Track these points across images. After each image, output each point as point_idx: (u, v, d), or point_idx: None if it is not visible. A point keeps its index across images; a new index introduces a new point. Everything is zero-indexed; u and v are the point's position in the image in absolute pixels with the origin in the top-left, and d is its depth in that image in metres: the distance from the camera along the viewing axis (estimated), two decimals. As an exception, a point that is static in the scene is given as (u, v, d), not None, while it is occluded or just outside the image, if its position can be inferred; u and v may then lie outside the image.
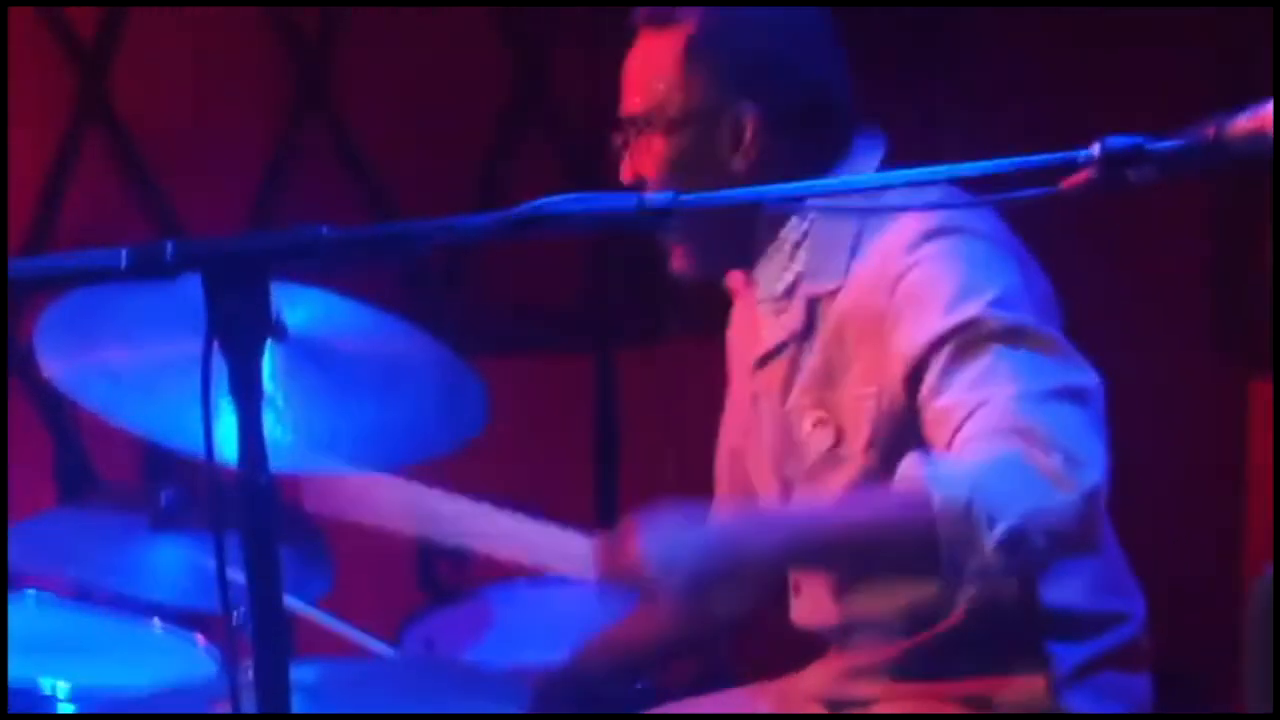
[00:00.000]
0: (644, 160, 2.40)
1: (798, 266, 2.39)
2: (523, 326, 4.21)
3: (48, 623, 2.53)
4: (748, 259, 2.44)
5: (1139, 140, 1.73)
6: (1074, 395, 2.18)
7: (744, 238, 2.41)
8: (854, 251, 2.35)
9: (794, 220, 2.38)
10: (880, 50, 3.68)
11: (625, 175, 2.42)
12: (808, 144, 2.38)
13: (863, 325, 2.32)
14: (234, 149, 4.09)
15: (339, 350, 2.69)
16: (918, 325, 2.25)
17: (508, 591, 2.80)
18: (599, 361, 4.21)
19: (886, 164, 2.39)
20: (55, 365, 2.59)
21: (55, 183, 4.06)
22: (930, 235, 2.29)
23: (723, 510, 2.61)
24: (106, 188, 4.08)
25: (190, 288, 1.75)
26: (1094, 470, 2.12)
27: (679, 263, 2.44)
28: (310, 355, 2.62)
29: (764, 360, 2.46)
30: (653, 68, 2.38)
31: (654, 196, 1.73)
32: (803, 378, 2.39)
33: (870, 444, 2.32)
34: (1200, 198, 3.95)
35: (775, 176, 2.31)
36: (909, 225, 2.31)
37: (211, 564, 1.87)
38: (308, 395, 2.60)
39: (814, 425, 2.38)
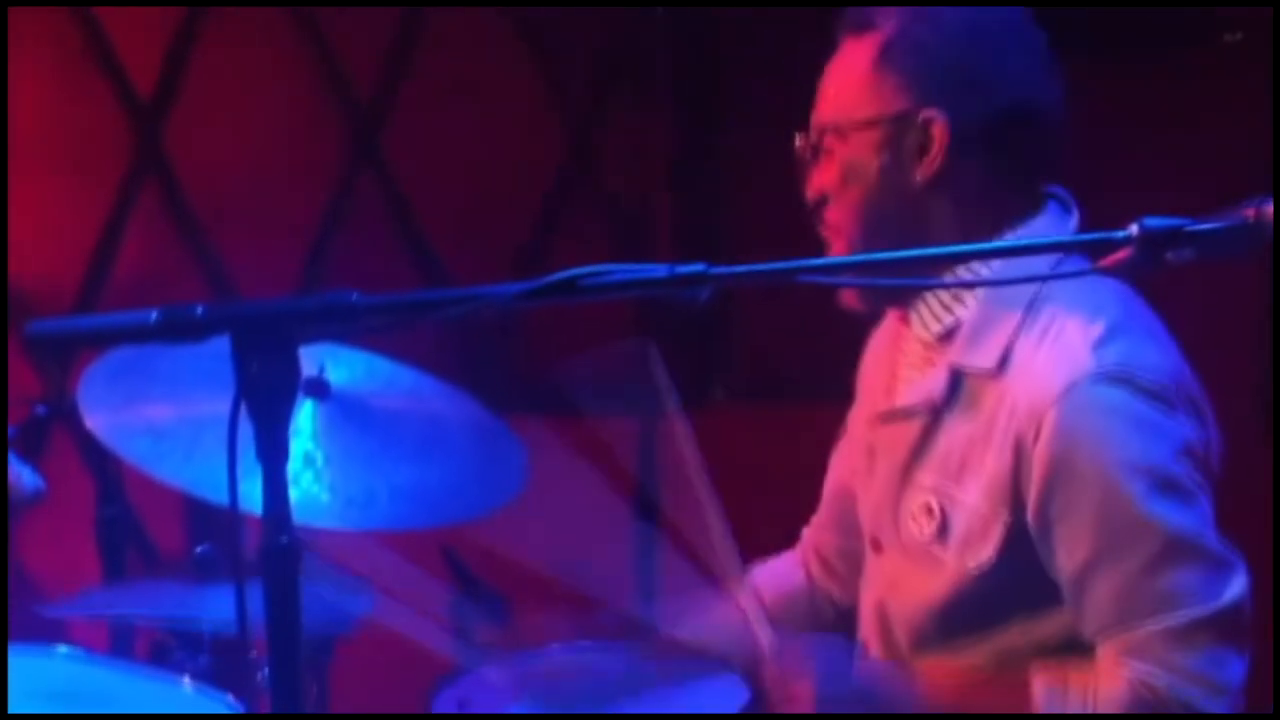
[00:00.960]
0: (827, 173, 2.32)
1: (957, 314, 2.28)
2: (565, 391, 4.22)
3: (77, 679, 2.54)
4: (904, 298, 2.33)
5: (1178, 222, 1.72)
6: (1219, 623, 2.16)
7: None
8: (1014, 340, 2.24)
9: (974, 263, 2.27)
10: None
11: (809, 193, 2.33)
12: (998, 172, 2.28)
13: (1001, 444, 2.21)
14: (287, 207, 4.13)
15: (380, 410, 2.70)
16: (1065, 485, 2.17)
17: (541, 655, 2.79)
18: (641, 426, 4.21)
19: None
20: (98, 419, 2.61)
21: (110, 234, 4.11)
22: (1100, 378, 2.17)
23: (822, 538, 2.61)
24: (160, 241, 4.13)
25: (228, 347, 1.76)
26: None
27: (848, 297, 2.33)
28: (352, 414, 2.64)
29: (892, 416, 2.36)
30: (846, 73, 2.31)
31: (685, 267, 1.72)
32: (932, 456, 2.29)
33: (990, 567, 2.25)
34: (1252, 276, 3.93)
35: (957, 199, 2.25)
36: (1077, 348, 2.19)
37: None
38: (348, 454, 2.61)
39: (920, 510, 2.30)
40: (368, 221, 4.19)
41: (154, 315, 1.71)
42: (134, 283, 4.07)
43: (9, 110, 3.93)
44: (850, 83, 2.30)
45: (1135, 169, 3.86)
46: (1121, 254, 1.73)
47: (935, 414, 2.29)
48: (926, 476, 2.30)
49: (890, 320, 2.43)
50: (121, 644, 3.11)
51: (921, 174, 2.26)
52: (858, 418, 2.50)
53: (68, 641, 2.63)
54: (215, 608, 2.74)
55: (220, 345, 1.76)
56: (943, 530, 2.28)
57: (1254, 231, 1.70)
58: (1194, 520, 2.18)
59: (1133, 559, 2.15)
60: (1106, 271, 1.75)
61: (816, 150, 2.33)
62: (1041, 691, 2.19)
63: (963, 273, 2.28)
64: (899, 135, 2.27)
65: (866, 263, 1.95)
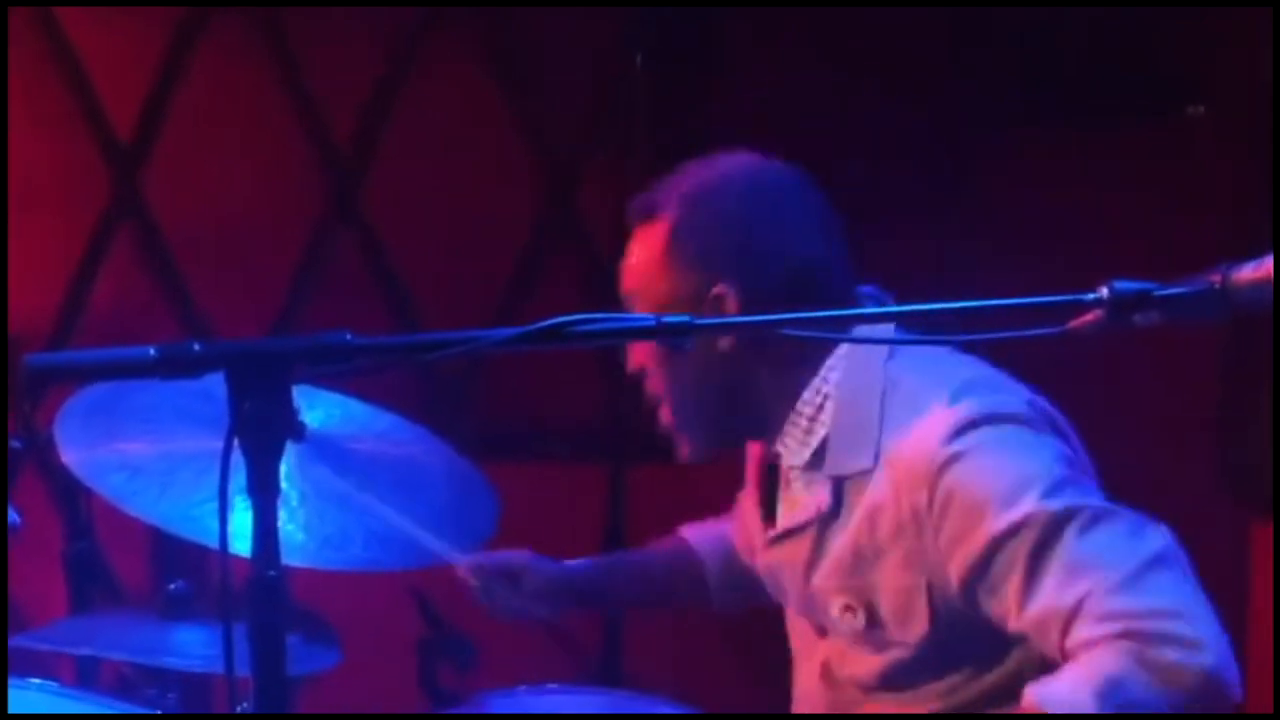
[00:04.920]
0: (640, 351, 2.48)
1: (816, 439, 2.41)
2: (537, 438, 4.25)
3: (49, 712, 2.55)
4: (760, 426, 2.46)
5: (1146, 285, 1.77)
6: (1158, 562, 2.21)
7: (746, 405, 2.44)
8: (880, 432, 2.36)
9: (807, 394, 2.41)
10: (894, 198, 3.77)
11: (629, 366, 2.50)
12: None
13: (899, 517, 2.32)
14: (263, 254, 4.16)
15: (355, 452, 2.72)
16: (972, 528, 2.26)
17: (508, 698, 2.81)
18: (611, 475, 4.25)
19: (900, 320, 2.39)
20: (74, 454, 2.63)
21: (85, 274, 4.13)
22: (965, 427, 2.29)
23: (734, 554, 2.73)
24: (134, 282, 4.15)
25: (208, 385, 1.79)
26: (1207, 646, 2.16)
27: (684, 451, 2.50)
28: (326, 456, 2.66)
29: (783, 536, 2.48)
30: (639, 258, 2.47)
31: (671, 317, 1.78)
32: (828, 561, 2.41)
33: (929, 636, 2.35)
34: (1209, 342, 4.00)
35: (764, 352, 2.39)
36: (939, 416, 2.31)
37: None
38: (321, 495, 2.63)
39: (842, 610, 2.41)
40: (344, 270, 4.21)
41: (152, 351, 1.74)
42: (107, 323, 4.09)
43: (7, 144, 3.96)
44: (643, 269, 2.46)
45: (1099, 235, 3.94)
46: (1090, 316, 1.79)
47: (825, 523, 2.42)
48: (831, 580, 2.42)
49: (755, 453, 2.57)
50: (87, 677, 3.11)
51: (723, 345, 2.41)
52: (748, 543, 2.63)
53: (37, 673, 2.64)
54: (185, 645, 2.76)
55: (195, 384, 1.79)
56: (871, 619, 2.39)
57: (1220, 297, 1.76)
58: (1096, 497, 2.27)
59: (1060, 549, 2.22)
60: (1077, 334, 1.80)
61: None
62: (1039, 702, 2.20)
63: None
64: (695, 311, 2.36)
65: (841, 317, 2.00)
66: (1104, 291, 1.77)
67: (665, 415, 2.49)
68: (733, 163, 2.50)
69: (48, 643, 2.83)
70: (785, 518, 2.48)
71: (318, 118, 4.20)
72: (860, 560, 2.37)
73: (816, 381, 2.41)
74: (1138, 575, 2.19)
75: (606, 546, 4.20)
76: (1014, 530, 2.24)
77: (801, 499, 2.45)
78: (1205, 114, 4.00)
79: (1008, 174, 4.08)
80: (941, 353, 2.39)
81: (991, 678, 2.36)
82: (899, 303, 2.43)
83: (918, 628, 2.35)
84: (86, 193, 4.13)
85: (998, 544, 2.25)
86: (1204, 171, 3.97)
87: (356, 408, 2.80)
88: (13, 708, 2.50)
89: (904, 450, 2.32)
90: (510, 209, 4.28)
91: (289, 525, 2.58)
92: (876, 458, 2.36)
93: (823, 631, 2.49)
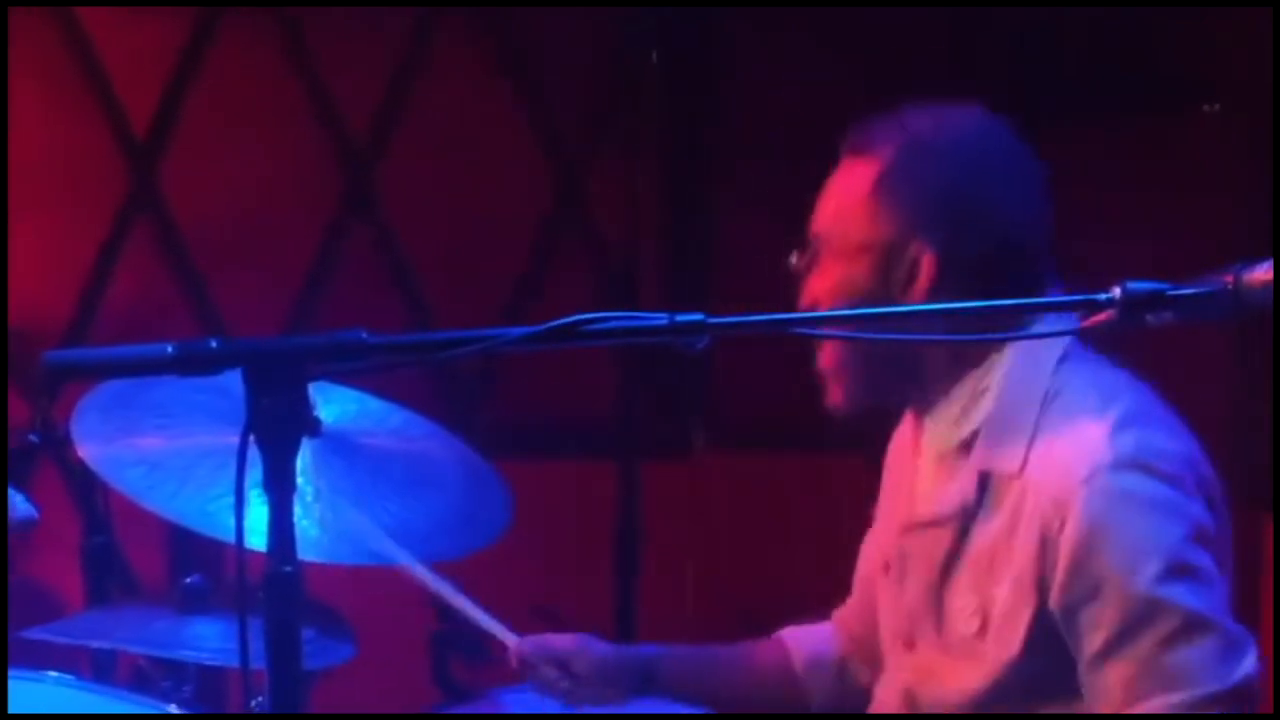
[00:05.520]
0: (820, 285, 2.36)
1: (968, 428, 2.32)
2: (550, 435, 4.26)
3: (65, 706, 2.56)
4: (919, 397, 2.37)
5: (1159, 285, 1.78)
6: (1230, 697, 2.18)
7: (911, 373, 2.34)
8: (1034, 437, 2.28)
9: (980, 370, 2.31)
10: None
11: (803, 300, 2.37)
12: (989, 289, 2.29)
13: (1025, 536, 2.26)
14: (278, 248, 4.18)
15: (368, 448, 2.73)
16: (1085, 572, 2.20)
17: (519, 694, 2.82)
18: (623, 471, 4.26)
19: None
20: (92, 448, 2.64)
21: (102, 268, 4.15)
22: (1117, 466, 2.21)
23: (852, 619, 2.62)
24: (151, 277, 4.17)
25: (225, 381, 1.80)
26: None
27: (834, 397, 2.37)
28: (340, 452, 2.67)
29: (921, 526, 2.39)
30: (844, 193, 2.35)
31: (685, 315, 1.78)
32: (967, 559, 2.33)
33: (1020, 656, 2.28)
34: (1221, 340, 4.00)
35: (953, 319, 2.29)
36: (1094, 438, 2.23)
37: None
38: (336, 490, 2.64)
39: (967, 610, 2.33)
40: (358, 263, 4.23)
41: (170, 349, 1.75)
42: (124, 317, 4.11)
43: (9, 144, 3.98)
44: (846, 204, 2.35)
45: (1114, 233, 3.93)
46: (1103, 315, 1.79)
47: (967, 519, 2.33)
48: (966, 578, 2.34)
49: (906, 426, 2.47)
50: (103, 670, 3.13)
51: (909, 302, 2.31)
52: (884, 525, 2.53)
53: (53, 666, 2.66)
54: (201, 639, 2.77)
55: (212, 380, 1.80)
56: (983, 627, 2.31)
57: (1233, 297, 1.76)
58: (1207, 601, 2.21)
59: (1146, 640, 2.18)
60: (1089, 332, 1.81)
61: (811, 262, 2.39)
62: None
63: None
64: (888, 263, 2.31)
65: (856, 317, 1.99)
66: (1116, 291, 1.76)
67: (825, 358, 2.36)
68: (962, 117, 2.37)
69: (65, 636, 2.84)
70: (929, 503, 2.38)
71: (333, 114, 4.21)
72: (995, 564, 2.29)
73: (985, 365, 2.30)
74: (1204, 705, 2.17)
75: (619, 543, 4.22)
76: (1114, 597, 2.19)
77: (945, 488, 2.36)
78: (1220, 112, 3.99)
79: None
80: (1113, 372, 2.31)
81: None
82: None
83: (1011, 648, 2.28)
84: (103, 187, 4.15)
85: (1094, 598, 2.20)
86: (1219, 169, 3.97)
87: (371, 403, 2.81)
88: (30, 701, 2.52)
89: (1051, 464, 2.24)
90: (520, 206, 4.30)
91: (303, 520, 2.58)
92: (1025, 462, 2.27)
93: (911, 644, 2.41)
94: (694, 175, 4.33)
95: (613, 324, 1.76)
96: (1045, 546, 2.24)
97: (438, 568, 2.77)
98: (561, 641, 2.62)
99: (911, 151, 2.33)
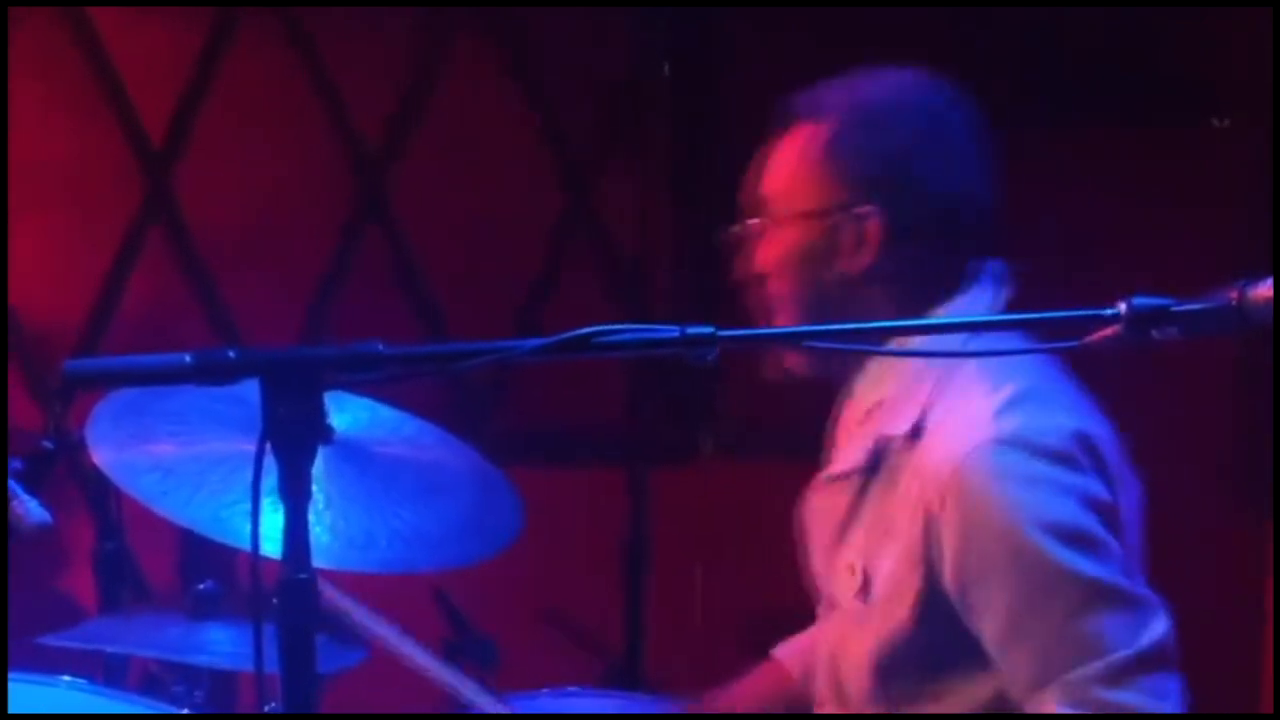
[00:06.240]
0: (764, 251, 2.41)
1: (882, 392, 2.36)
2: (561, 443, 4.28)
3: (80, 710, 2.58)
4: (853, 369, 2.41)
5: (1165, 301, 1.79)
6: (1148, 660, 2.19)
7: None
8: (927, 408, 2.30)
9: (892, 345, 2.30)
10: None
11: (740, 269, 2.42)
12: (932, 259, 2.35)
13: (913, 511, 2.28)
14: (292, 255, 4.19)
15: (380, 456, 2.75)
16: (973, 552, 2.23)
17: (530, 700, 2.84)
18: (632, 478, 4.27)
19: (1014, 302, 2.35)
20: (106, 455, 2.66)
21: (116, 274, 4.17)
22: (998, 443, 2.23)
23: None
24: (165, 284, 4.18)
25: (238, 389, 1.81)
26: None
27: (785, 363, 2.40)
28: (352, 459, 2.68)
29: (830, 480, 2.44)
30: (792, 157, 2.38)
31: (695, 328, 1.79)
32: (860, 520, 2.37)
33: (908, 627, 2.30)
34: (1229, 353, 4.01)
35: (893, 284, 2.33)
36: (979, 416, 2.25)
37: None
38: (348, 497, 2.66)
39: (846, 569, 2.37)
40: (371, 272, 4.25)
41: (188, 358, 1.77)
42: (138, 321, 4.12)
43: (22, 149, 4.00)
44: (793, 169, 2.38)
45: (1120, 245, 3.95)
46: (1108, 330, 1.81)
47: (864, 479, 2.37)
48: (856, 538, 2.37)
49: (843, 398, 2.50)
50: (114, 675, 3.15)
51: (854, 266, 2.35)
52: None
53: (67, 671, 2.68)
54: (213, 643, 2.79)
55: (226, 388, 1.82)
56: (864, 589, 2.34)
57: (1238, 313, 1.78)
58: (1108, 568, 2.22)
59: (1054, 612, 2.20)
60: (1094, 348, 1.82)
61: (753, 230, 2.42)
62: None
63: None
64: (835, 227, 2.35)
65: (870, 330, 2.01)
66: (1122, 307, 1.78)
67: (785, 320, 2.39)
68: (909, 80, 2.40)
69: (78, 641, 2.86)
70: (837, 462, 2.43)
71: (346, 119, 4.23)
72: (886, 530, 2.32)
73: (903, 335, 2.31)
74: (1123, 670, 2.18)
75: (628, 550, 4.23)
76: (1011, 565, 2.20)
77: (850, 449, 2.40)
78: (1230, 126, 4.00)
79: (1013, 177, 4.09)
80: (1017, 339, 2.28)
81: (980, 689, 2.31)
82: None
83: (898, 615, 2.30)
84: (117, 192, 4.16)
85: (989, 576, 2.22)
86: (1228, 183, 3.98)
87: (383, 411, 2.82)
88: (43, 705, 2.54)
89: (937, 441, 2.27)
90: (531, 210, 4.31)
91: (315, 527, 2.59)
92: (917, 432, 2.30)
93: (833, 604, 2.44)
94: (706, 185, 4.34)
95: (624, 336, 1.78)
96: (929, 524, 2.26)
97: (449, 574, 2.79)
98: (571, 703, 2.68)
99: (859, 115, 2.36)
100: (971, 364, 2.29)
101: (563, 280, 4.30)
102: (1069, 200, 4.06)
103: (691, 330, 1.78)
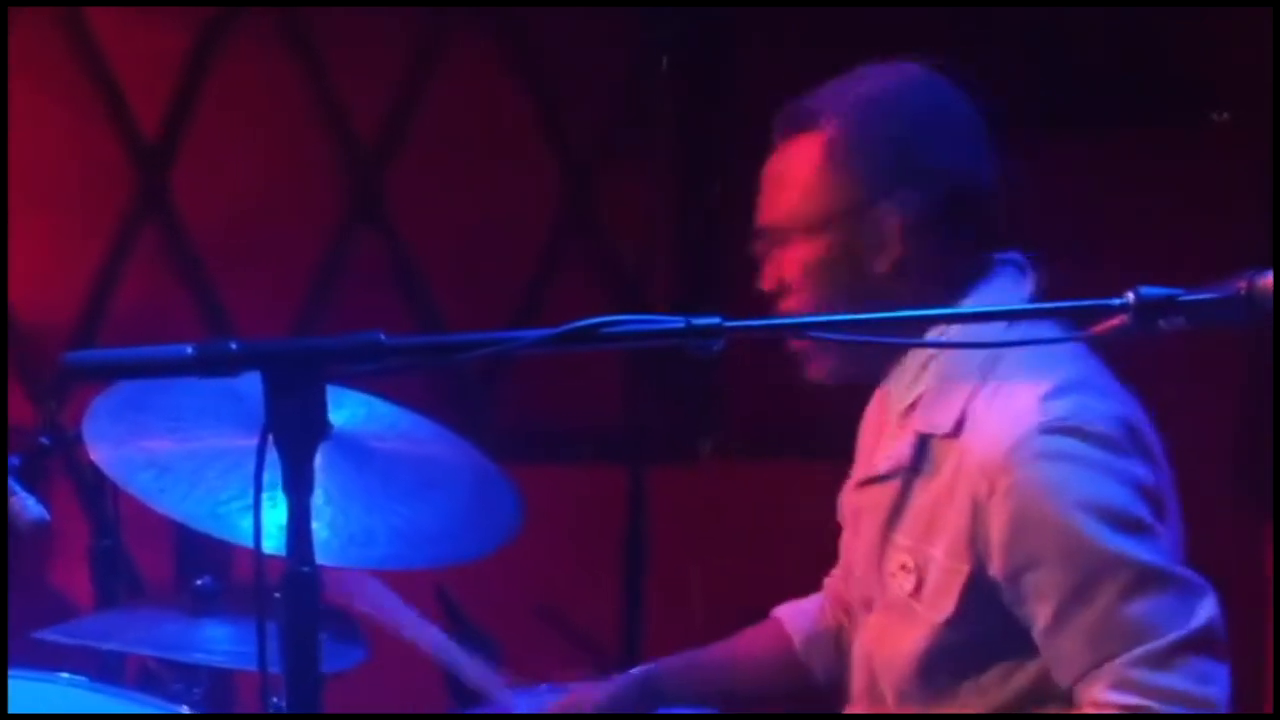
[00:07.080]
0: (785, 265, 2.38)
1: (919, 388, 2.35)
2: (559, 440, 4.27)
3: (78, 707, 2.57)
4: (884, 369, 2.40)
5: (1172, 291, 1.79)
6: (1195, 643, 2.19)
7: (878, 346, 2.33)
8: (969, 402, 2.29)
9: (928, 339, 2.32)
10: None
11: (766, 283, 2.41)
12: (955, 242, 2.35)
13: (963, 499, 2.27)
14: (286, 252, 4.18)
15: (378, 451, 2.74)
16: (1024, 538, 2.22)
17: (532, 695, 2.83)
18: (632, 477, 4.27)
19: (1039, 296, 2.35)
20: (103, 451, 2.65)
21: (110, 271, 4.16)
22: (1049, 430, 2.23)
23: (840, 586, 2.63)
24: (159, 279, 4.18)
25: (234, 384, 1.81)
26: None
27: (812, 369, 2.40)
28: (351, 455, 2.67)
29: (871, 481, 2.43)
30: (792, 174, 2.37)
31: (701, 318, 1.79)
32: (906, 517, 2.36)
33: (954, 618, 2.30)
34: (1235, 346, 4.01)
35: (921, 278, 2.32)
36: (1026, 404, 2.25)
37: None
38: (346, 494, 2.65)
39: (900, 568, 2.35)
40: (366, 269, 4.24)
41: (189, 350, 1.75)
42: (132, 320, 4.12)
43: (17, 147, 3.99)
44: (799, 182, 2.36)
45: (1124, 239, 3.94)
46: (1116, 320, 1.81)
47: (907, 477, 2.36)
48: (903, 537, 2.36)
49: (879, 393, 2.49)
50: (111, 672, 3.14)
51: (880, 266, 2.34)
52: (849, 482, 2.57)
53: (64, 668, 2.67)
54: (211, 640, 2.78)
55: (222, 383, 1.81)
56: (919, 586, 2.34)
57: (1245, 303, 1.77)
58: (1157, 552, 2.23)
59: (1102, 596, 2.20)
60: (1102, 337, 1.82)
61: (769, 250, 2.40)
62: None
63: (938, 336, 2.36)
64: (853, 231, 2.34)
65: (871, 321, 2.00)
66: (1130, 297, 1.78)
67: (797, 340, 2.38)
68: (899, 73, 2.39)
69: (74, 637, 2.85)
70: (878, 462, 2.42)
71: (341, 118, 4.22)
72: (930, 524, 2.31)
73: (937, 330, 2.32)
74: (1171, 653, 2.18)
75: (627, 548, 4.23)
76: (1062, 550, 2.20)
77: (891, 448, 2.39)
78: (1230, 121, 4.00)
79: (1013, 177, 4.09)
80: (1054, 330, 2.26)
81: (1023, 679, 2.31)
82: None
83: (946, 608, 2.30)
84: (111, 190, 4.16)
85: (1040, 562, 2.21)
86: (1229, 177, 3.98)
87: (380, 407, 2.82)
88: (41, 702, 2.53)
89: (984, 431, 2.26)
90: (530, 210, 4.31)
91: (315, 523, 2.58)
92: (960, 426, 2.29)
93: (869, 605, 2.43)
94: (706, 185, 4.34)
95: (630, 327, 1.77)
96: (977, 512, 2.26)
97: (447, 570, 2.78)
98: (558, 697, 2.64)
99: (857, 116, 2.35)
100: (1013, 354, 2.29)
101: (561, 281, 4.30)
102: (1069, 200, 4.06)
103: (698, 321, 1.78)
